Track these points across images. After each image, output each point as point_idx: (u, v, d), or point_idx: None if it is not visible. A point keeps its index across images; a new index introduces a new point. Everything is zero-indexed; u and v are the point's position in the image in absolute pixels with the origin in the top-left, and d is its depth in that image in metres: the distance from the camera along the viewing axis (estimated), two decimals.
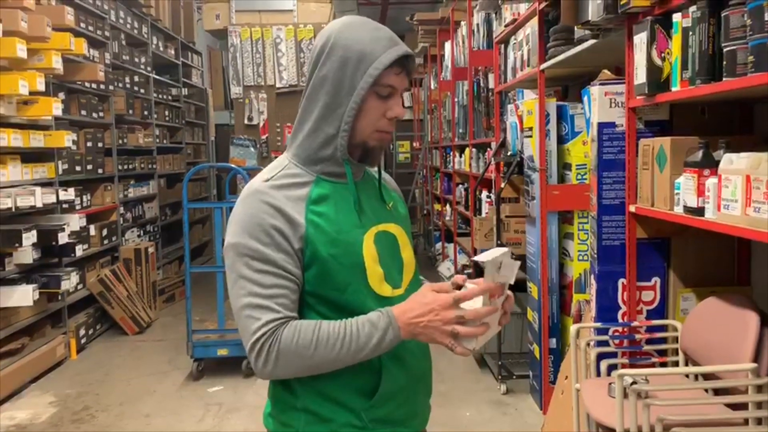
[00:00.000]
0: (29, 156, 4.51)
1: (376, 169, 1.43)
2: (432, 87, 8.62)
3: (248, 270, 1.23)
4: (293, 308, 1.25)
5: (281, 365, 1.21)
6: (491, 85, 4.99)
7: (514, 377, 4.05)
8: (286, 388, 1.32)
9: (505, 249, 1.29)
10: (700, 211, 2.08)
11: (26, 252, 4.26)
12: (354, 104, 1.25)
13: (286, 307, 1.23)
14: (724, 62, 1.93)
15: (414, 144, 11.39)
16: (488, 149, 5.20)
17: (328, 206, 1.29)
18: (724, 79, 1.94)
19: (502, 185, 4.19)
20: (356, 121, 1.28)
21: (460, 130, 6.37)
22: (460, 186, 6.66)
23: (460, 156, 6.47)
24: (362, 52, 1.25)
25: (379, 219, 1.35)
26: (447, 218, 7.46)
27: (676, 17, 2.17)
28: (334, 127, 1.28)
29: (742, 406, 2.08)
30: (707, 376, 2.29)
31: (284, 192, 1.27)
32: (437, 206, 8.40)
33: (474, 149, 5.69)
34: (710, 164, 2.05)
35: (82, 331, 5.19)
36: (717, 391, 2.26)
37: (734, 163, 1.88)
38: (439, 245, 8.13)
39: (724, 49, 1.92)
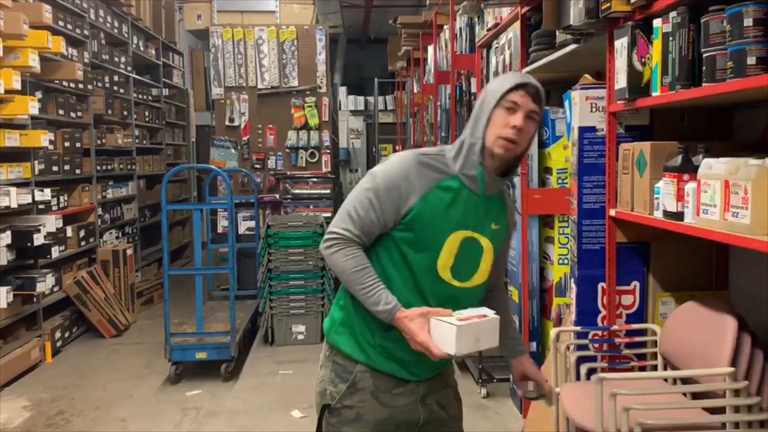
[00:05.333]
0: (4, 155, 4.43)
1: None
2: (415, 90, 8.61)
3: (365, 195, 1.66)
4: (366, 240, 1.67)
5: (329, 260, 1.68)
6: (474, 89, 4.99)
7: (495, 381, 4.04)
8: (346, 302, 1.77)
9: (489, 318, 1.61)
10: (679, 216, 2.09)
11: (0, 253, 4.18)
12: (484, 116, 1.66)
13: (365, 234, 1.66)
14: (704, 68, 1.94)
15: (396, 147, 11.39)
16: None
17: (446, 196, 1.66)
18: (703, 84, 1.95)
19: None
20: (486, 129, 1.65)
21: (443, 134, 6.37)
22: None
23: None
24: (498, 84, 1.69)
25: (476, 228, 1.70)
26: None
27: (657, 22, 2.18)
28: (476, 137, 1.67)
29: (720, 410, 2.09)
30: (686, 380, 2.30)
31: (424, 170, 1.66)
32: None
33: None
34: (690, 169, 2.06)
35: (57, 334, 5.10)
36: (695, 395, 2.28)
37: (713, 168, 1.89)
38: None
39: (704, 55, 1.94)
